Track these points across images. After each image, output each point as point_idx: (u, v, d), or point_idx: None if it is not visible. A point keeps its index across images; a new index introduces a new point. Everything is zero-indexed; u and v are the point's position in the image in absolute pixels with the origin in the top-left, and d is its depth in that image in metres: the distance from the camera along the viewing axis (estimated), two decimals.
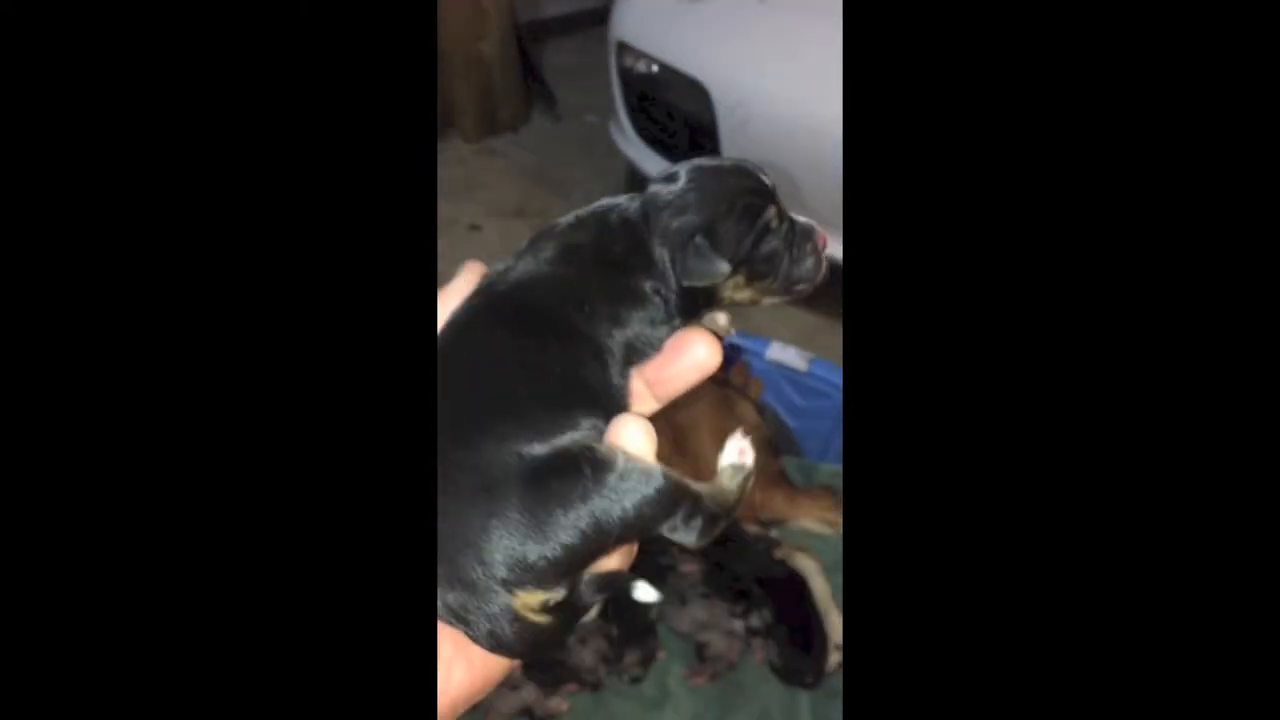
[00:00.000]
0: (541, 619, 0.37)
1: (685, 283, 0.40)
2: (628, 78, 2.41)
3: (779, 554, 1.45)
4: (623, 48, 2.38)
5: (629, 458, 0.37)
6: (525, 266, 0.40)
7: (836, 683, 1.33)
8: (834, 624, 1.36)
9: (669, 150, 2.38)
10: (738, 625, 1.37)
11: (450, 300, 0.41)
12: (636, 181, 2.75)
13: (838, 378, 1.63)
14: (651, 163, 2.42)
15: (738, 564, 1.41)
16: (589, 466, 0.36)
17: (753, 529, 1.49)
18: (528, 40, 3.51)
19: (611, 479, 0.36)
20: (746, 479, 0.41)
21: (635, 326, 0.39)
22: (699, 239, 0.39)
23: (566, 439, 0.36)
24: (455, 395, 0.37)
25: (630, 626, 1.35)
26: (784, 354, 1.66)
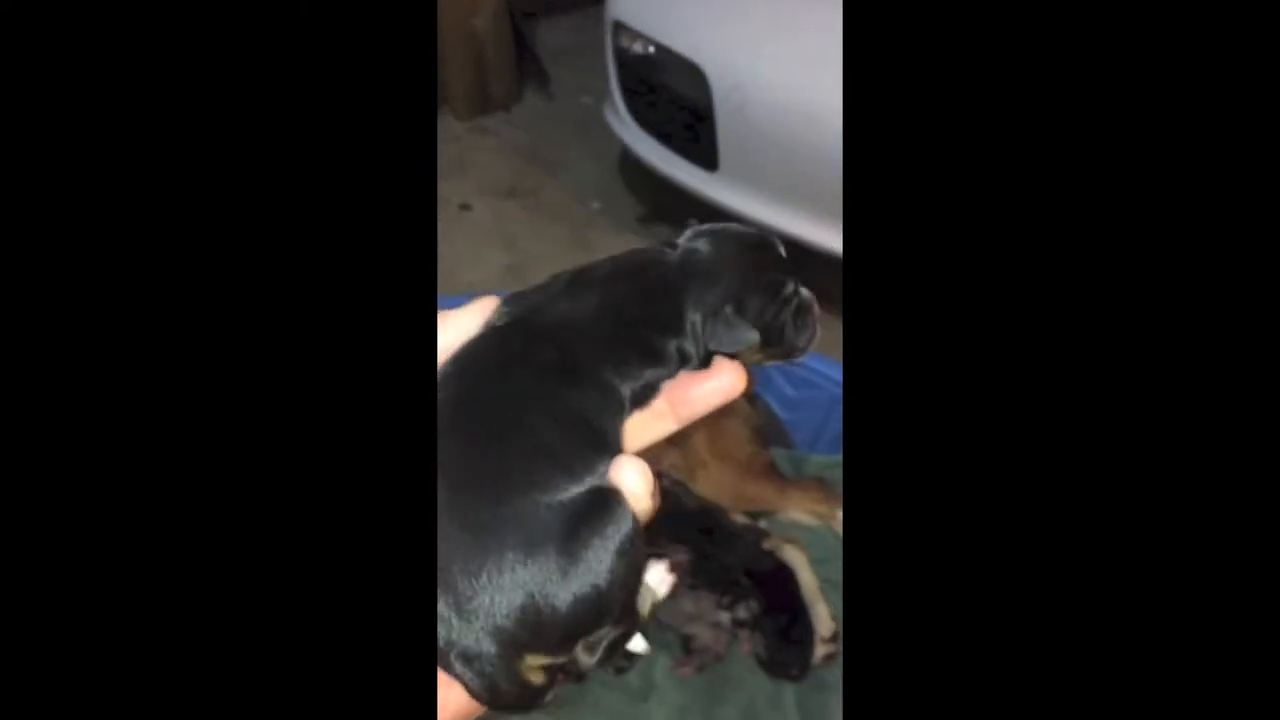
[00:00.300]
0: (540, 679, 0.38)
1: (712, 348, 0.42)
2: (624, 58, 2.38)
3: (767, 545, 1.44)
4: (619, 27, 2.34)
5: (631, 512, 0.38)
6: (564, 312, 0.41)
7: (822, 675, 1.33)
8: (821, 616, 1.36)
9: (664, 135, 2.35)
10: (724, 617, 1.36)
11: (451, 328, 0.40)
12: (630, 164, 2.73)
13: (829, 369, 1.61)
14: (645, 146, 2.40)
15: (725, 555, 1.40)
16: (618, 507, 0.37)
17: (741, 520, 1.48)
18: (521, 17, 3.47)
19: (624, 518, 0.37)
20: (654, 607, 0.43)
21: (653, 379, 0.42)
22: (729, 309, 0.42)
23: (595, 479, 0.38)
24: (498, 443, 0.38)
25: None
26: None
